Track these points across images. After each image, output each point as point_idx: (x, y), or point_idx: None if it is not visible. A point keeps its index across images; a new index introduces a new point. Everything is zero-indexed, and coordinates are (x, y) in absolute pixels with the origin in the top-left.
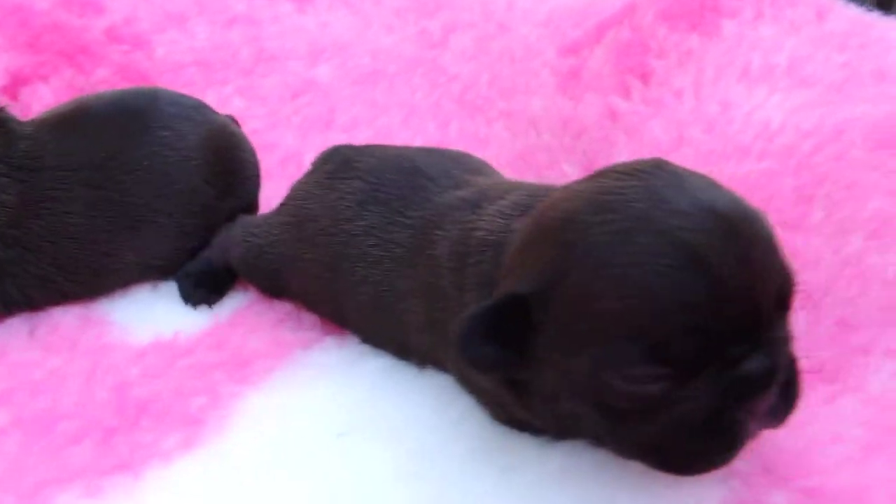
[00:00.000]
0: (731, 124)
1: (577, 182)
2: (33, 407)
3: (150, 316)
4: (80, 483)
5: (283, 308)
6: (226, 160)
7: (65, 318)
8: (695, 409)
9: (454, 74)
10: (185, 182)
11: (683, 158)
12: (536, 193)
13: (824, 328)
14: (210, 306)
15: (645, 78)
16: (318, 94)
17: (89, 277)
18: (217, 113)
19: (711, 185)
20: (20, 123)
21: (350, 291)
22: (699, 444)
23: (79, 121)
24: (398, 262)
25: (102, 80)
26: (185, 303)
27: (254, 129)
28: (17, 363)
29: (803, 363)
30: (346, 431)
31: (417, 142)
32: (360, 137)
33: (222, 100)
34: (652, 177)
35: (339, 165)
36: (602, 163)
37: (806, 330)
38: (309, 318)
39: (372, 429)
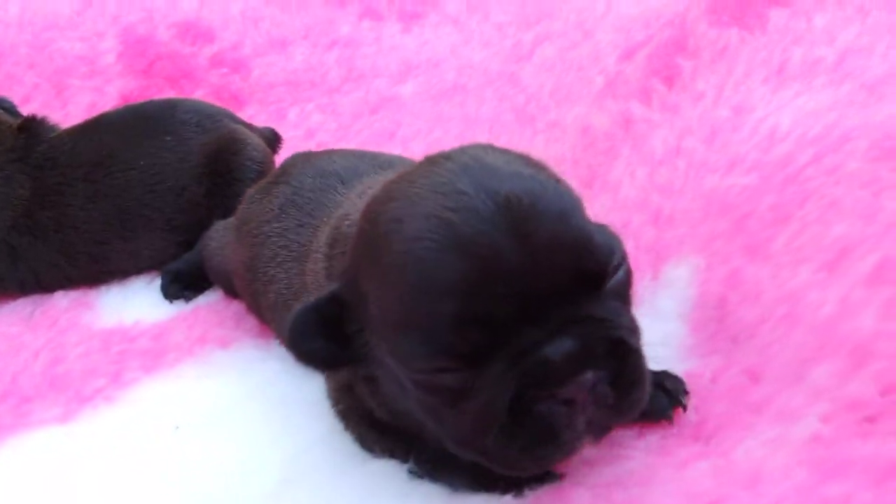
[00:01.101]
0: (737, 131)
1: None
2: None
3: (127, 304)
4: None
5: (238, 308)
6: (220, 163)
7: (62, 301)
8: (493, 399)
9: (525, 87)
10: (176, 181)
11: (673, 170)
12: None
13: (728, 378)
14: (186, 301)
15: (670, 81)
16: (393, 109)
17: (88, 263)
18: (237, 122)
19: (509, 162)
20: (50, 130)
21: (262, 291)
22: (512, 437)
23: (97, 125)
24: (298, 260)
25: (199, 99)
26: (164, 296)
27: (321, 142)
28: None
29: (686, 415)
30: (182, 425)
31: None
32: (414, 150)
33: (303, 116)
34: (448, 161)
35: (283, 170)
36: (601, 177)
37: (710, 378)
38: (252, 319)
39: (211, 424)
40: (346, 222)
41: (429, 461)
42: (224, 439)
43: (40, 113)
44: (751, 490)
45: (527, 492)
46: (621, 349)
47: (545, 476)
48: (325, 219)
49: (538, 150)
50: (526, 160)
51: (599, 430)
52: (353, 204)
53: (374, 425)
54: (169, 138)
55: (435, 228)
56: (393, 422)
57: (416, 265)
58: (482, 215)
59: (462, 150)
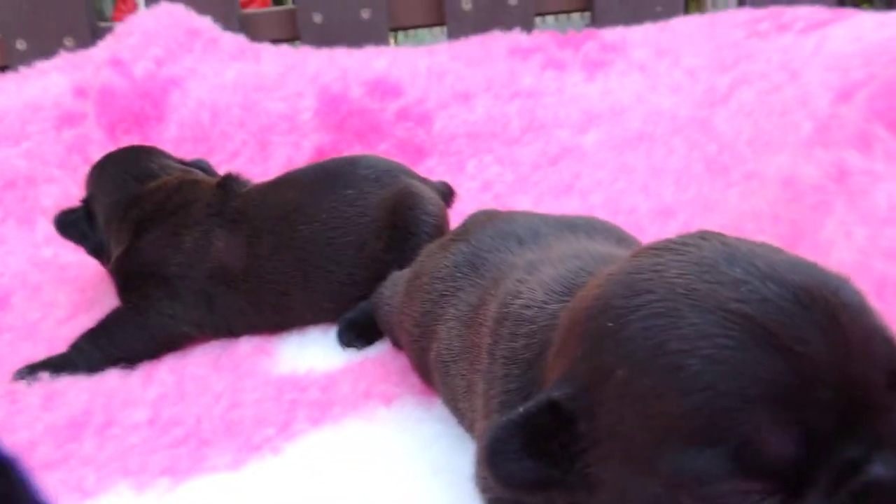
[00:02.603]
0: None
1: (614, 265)
2: (168, 412)
3: (303, 353)
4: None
5: (404, 362)
6: (398, 218)
7: (245, 346)
8: None
9: (718, 134)
10: (357, 235)
11: None
12: (586, 268)
13: None
14: (358, 349)
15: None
16: (573, 160)
17: (271, 313)
18: (412, 177)
19: (773, 250)
20: (243, 186)
21: (427, 348)
22: None
23: (284, 181)
24: (462, 321)
25: (382, 153)
26: (338, 343)
27: (497, 194)
28: (187, 375)
29: None
30: (340, 481)
31: (644, 206)
32: (594, 202)
33: (481, 167)
34: (695, 248)
35: (465, 227)
36: (808, 235)
37: None
38: (416, 376)
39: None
40: (518, 301)
41: None
42: (377, 499)
43: (245, 167)
44: None
45: None
46: None
47: None
48: (495, 282)
49: (732, 203)
50: (774, 247)
51: None
52: (522, 282)
53: None
54: (350, 192)
55: (729, 323)
56: None
57: (712, 366)
58: (781, 306)
59: (700, 235)
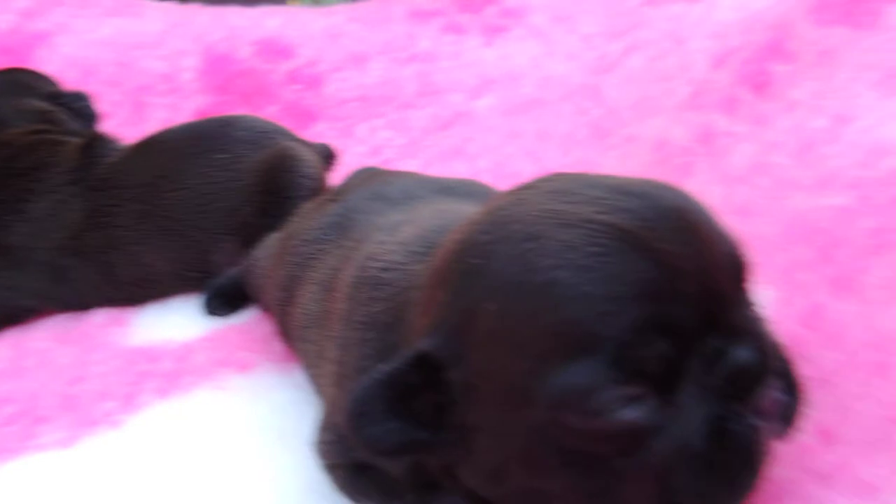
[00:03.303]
0: (833, 144)
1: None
2: (1, 389)
3: (162, 322)
4: None
5: (272, 329)
6: (272, 181)
7: (98, 317)
8: (693, 428)
9: (605, 99)
10: (229, 201)
11: (754, 188)
12: (447, 226)
13: (794, 436)
14: (223, 317)
15: (761, 88)
16: (465, 125)
17: (131, 287)
18: (293, 138)
19: (623, 176)
20: (111, 150)
21: (290, 314)
22: (712, 469)
23: (151, 144)
24: (321, 284)
25: (269, 116)
26: (205, 311)
27: (386, 159)
28: (28, 349)
29: None
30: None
31: (529, 170)
32: (479, 167)
33: (371, 131)
34: (551, 181)
35: (344, 186)
36: None
37: None
38: (281, 342)
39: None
40: (376, 264)
41: None
42: (219, 469)
43: (118, 130)
44: None
45: None
46: (784, 352)
47: None
48: (357, 243)
49: (611, 166)
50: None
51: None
52: (382, 244)
53: (361, 472)
54: (223, 156)
55: (596, 233)
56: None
57: (585, 275)
58: (640, 214)
59: (552, 175)
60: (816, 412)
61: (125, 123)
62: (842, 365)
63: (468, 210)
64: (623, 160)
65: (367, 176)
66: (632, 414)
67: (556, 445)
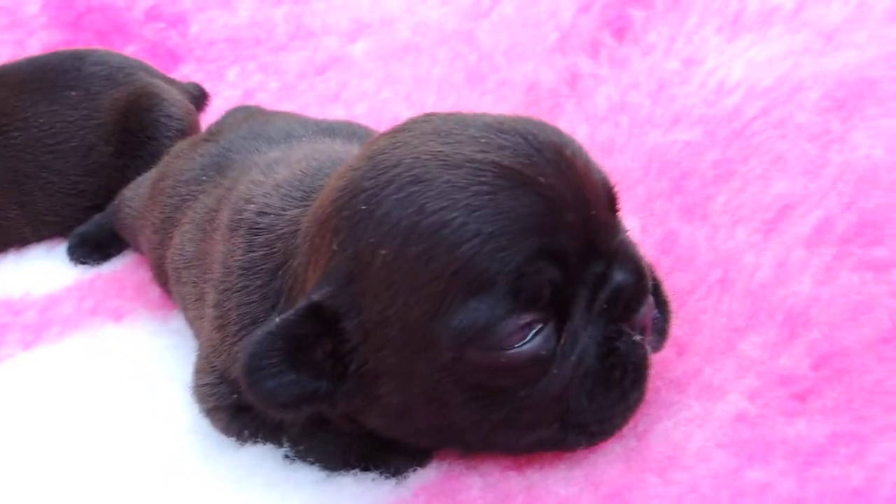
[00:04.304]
0: (685, 84)
1: (350, 159)
2: None
3: (21, 273)
4: None
5: (145, 276)
6: (131, 120)
7: None
8: (588, 350)
9: (480, 45)
10: (81, 140)
11: (615, 126)
12: (323, 169)
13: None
14: (91, 265)
15: (621, 33)
16: (340, 69)
17: None
18: (154, 76)
19: (495, 115)
20: None
21: (165, 256)
22: (607, 386)
23: None
24: (197, 224)
25: (129, 55)
26: (69, 259)
27: (260, 102)
28: None
29: None
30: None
31: (407, 114)
32: (357, 112)
33: (243, 74)
34: (425, 123)
35: (218, 126)
36: None
37: None
38: (156, 289)
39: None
40: (251, 207)
41: (303, 443)
42: (96, 420)
43: None
44: (662, 476)
45: (409, 476)
46: (653, 272)
47: (423, 459)
48: (233, 183)
49: (486, 109)
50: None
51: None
52: (256, 184)
53: (243, 413)
54: (74, 93)
55: (480, 172)
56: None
57: (480, 212)
58: (519, 150)
59: (424, 117)
60: (673, 328)
61: None
62: (693, 284)
63: (341, 150)
64: (497, 103)
65: (245, 115)
66: (533, 345)
67: (461, 382)
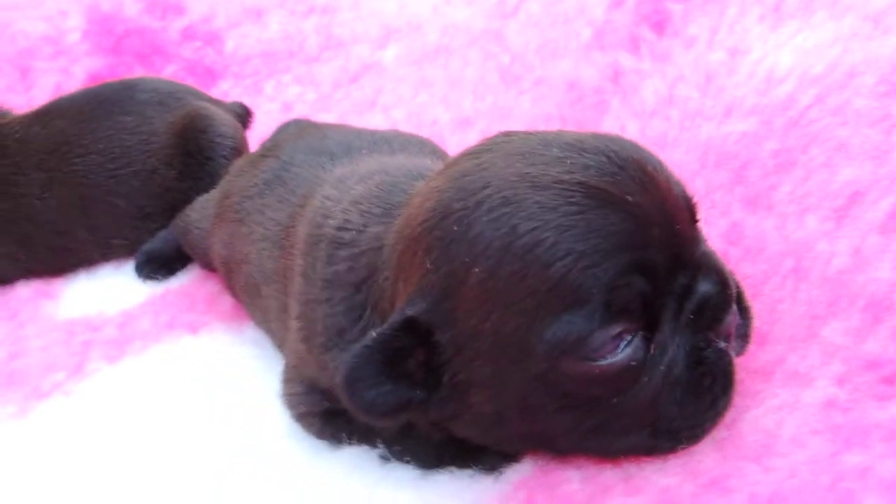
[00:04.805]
0: (733, 75)
1: (431, 178)
2: None
3: (94, 292)
4: None
5: (213, 289)
6: (190, 142)
7: (23, 291)
8: (677, 359)
9: (510, 45)
10: (143, 164)
11: (666, 120)
12: (399, 185)
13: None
14: (160, 281)
15: (660, 26)
16: (374, 76)
17: (47, 255)
18: (201, 98)
19: (571, 132)
20: (4, 118)
21: (237, 270)
22: (697, 394)
23: (50, 110)
24: (272, 241)
25: (170, 76)
26: (137, 276)
27: (299, 114)
28: None
29: None
30: (146, 415)
31: (445, 117)
32: (396, 117)
33: (280, 87)
34: (507, 143)
35: (274, 142)
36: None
37: None
38: (227, 301)
39: (176, 413)
40: (331, 223)
41: (398, 444)
42: (190, 429)
43: (3, 98)
44: (760, 463)
45: (506, 471)
46: (737, 282)
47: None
48: (305, 199)
49: (525, 109)
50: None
51: None
52: (331, 199)
53: (336, 417)
54: (129, 118)
55: (569, 193)
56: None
57: (571, 231)
58: (603, 169)
59: (503, 135)
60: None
61: (10, 91)
62: (765, 274)
63: (409, 165)
64: (537, 102)
65: (298, 129)
66: (624, 355)
67: (554, 392)
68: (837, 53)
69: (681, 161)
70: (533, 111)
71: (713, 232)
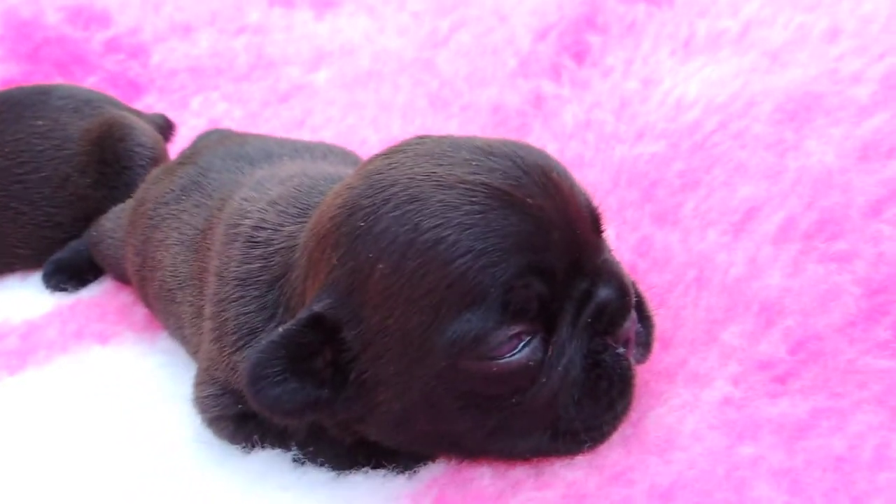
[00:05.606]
0: (645, 102)
1: (346, 178)
2: None
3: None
4: None
5: (126, 299)
6: (106, 151)
7: None
8: (574, 361)
9: (440, 72)
10: (53, 170)
11: (583, 142)
12: (317, 187)
13: None
14: (70, 292)
15: (580, 57)
16: (304, 97)
17: None
18: (121, 108)
19: (483, 138)
20: None
21: (150, 278)
22: (595, 397)
23: None
24: (188, 245)
25: (91, 87)
26: (45, 286)
27: None
28: None
29: None
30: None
31: (374, 139)
32: (324, 136)
33: (207, 104)
34: (419, 145)
35: (193, 150)
36: None
37: None
38: (139, 311)
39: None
40: (247, 222)
41: (311, 446)
42: (97, 438)
43: None
44: (661, 456)
45: (420, 470)
46: (636, 289)
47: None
48: (222, 202)
49: (452, 131)
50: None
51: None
52: (249, 200)
53: (248, 420)
54: (41, 123)
55: (472, 193)
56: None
57: (472, 230)
58: (508, 173)
59: (417, 138)
60: (656, 324)
61: None
62: (670, 283)
63: (331, 169)
64: (464, 126)
65: (219, 137)
66: (521, 355)
67: (455, 390)
68: (740, 85)
69: (596, 180)
70: (460, 133)
71: (624, 245)
